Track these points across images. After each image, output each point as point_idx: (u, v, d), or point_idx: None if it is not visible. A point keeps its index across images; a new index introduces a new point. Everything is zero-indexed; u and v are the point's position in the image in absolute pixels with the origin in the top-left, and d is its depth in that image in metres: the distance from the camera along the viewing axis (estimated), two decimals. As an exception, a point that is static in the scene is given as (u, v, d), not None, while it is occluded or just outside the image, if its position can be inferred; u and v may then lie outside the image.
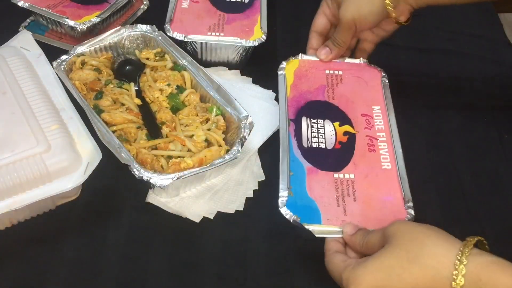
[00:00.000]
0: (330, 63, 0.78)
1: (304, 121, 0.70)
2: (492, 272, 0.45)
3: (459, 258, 0.45)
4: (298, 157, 0.66)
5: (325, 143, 0.68)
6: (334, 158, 0.66)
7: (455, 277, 0.45)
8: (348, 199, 0.62)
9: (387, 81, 0.76)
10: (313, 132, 0.69)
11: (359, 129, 0.70)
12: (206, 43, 0.82)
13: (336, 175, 0.65)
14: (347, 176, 0.65)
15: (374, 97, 0.74)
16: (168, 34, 0.81)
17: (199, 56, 0.85)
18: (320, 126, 0.70)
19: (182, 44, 0.81)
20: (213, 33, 0.83)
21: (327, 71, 0.77)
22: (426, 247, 0.47)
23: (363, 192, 0.63)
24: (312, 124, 0.70)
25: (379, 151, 0.67)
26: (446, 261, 0.46)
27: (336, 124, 0.70)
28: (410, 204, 0.62)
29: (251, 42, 0.81)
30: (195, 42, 0.82)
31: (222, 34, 0.83)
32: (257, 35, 0.82)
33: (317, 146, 0.67)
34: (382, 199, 0.62)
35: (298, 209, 0.60)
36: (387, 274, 0.47)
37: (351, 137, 0.69)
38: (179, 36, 0.81)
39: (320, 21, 0.74)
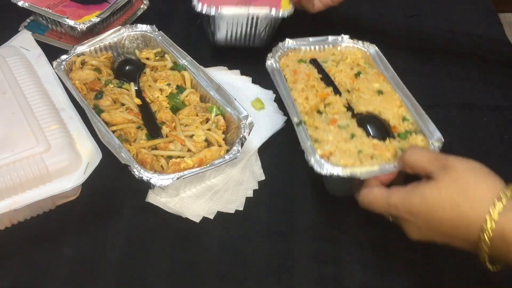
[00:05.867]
0: None
1: None
2: None
3: (491, 210, 0.50)
4: None
5: None
6: None
7: (485, 228, 0.50)
8: None
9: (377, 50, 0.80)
10: None
11: None
12: (235, 17, 0.81)
13: None
14: None
15: None
16: (197, 9, 0.80)
17: (226, 33, 0.84)
18: None
19: (207, 19, 0.81)
20: (243, 5, 0.82)
21: None
22: (468, 193, 0.52)
23: None
24: None
25: None
26: (481, 211, 0.50)
27: None
28: None
29: (281, 13, 0.81)
30: (223, 15, 0.80)
31: (251, 5, 0.82)
32: (285, 6, 0.82)
33: None
34: None
35: None
36: (430, 208, 0.53)
37: None
38: (208, 11, 0.80)
39: None
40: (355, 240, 0.66)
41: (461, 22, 1.00)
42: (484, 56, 0.92)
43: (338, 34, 0.82)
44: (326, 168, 0.61)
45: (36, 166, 0.59)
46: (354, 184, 0.62)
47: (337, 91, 0.74)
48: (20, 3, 0.85)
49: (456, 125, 0.81)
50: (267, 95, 0.82)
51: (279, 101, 0.81)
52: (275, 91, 0.81)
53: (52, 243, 0.63)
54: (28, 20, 0.90)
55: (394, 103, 0.72)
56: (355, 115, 0.71)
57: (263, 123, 0.77)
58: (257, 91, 0.83)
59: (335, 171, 0.61)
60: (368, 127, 0.68)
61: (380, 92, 0.73)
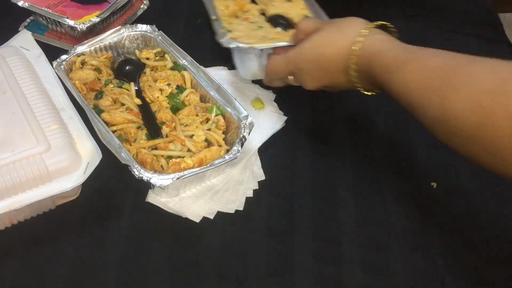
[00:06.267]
0: None
1: None
2: (378, 43, 0.60)
3: (358, 33, 0.61)
4: None
5: None
6: None
7: (353, 49, 0.61)
8: None
9: None
10: None
11: None
12: None
13: None
14: None
15: None
16: None
17: None
18: None
19: None
20: None
21: None
22: (343, 28, 0.64)
23: None
24: None
25: None
26: (351, 38, 0.62)
27: None
28: None
29: None
30: None
31: None
32: None
33: None
34: None
35: None
36: (317, 48, 0.65)
37: None
38: None
39: None
40: (355, 240, 0.66)
41: (461, 22, 1.00)
42: (484, 56, 0.92)
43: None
44: (232, 43, 0.74)
45: (36, 166, 0.59)
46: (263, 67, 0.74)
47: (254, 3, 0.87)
48: (20, 3, 0.85)
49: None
50: (267, 95, 0.82)
51: (279, 101, 0.81)
52: (275, 91, 0.81)
53: (52, 243, 0.63)
54: (28, 20, 0.90)
55: (299, 7, 0.85)
56: (267, 17, 0.83)
57: (263, 123, 0.77)
58: (257, 91, 0.83)
59: (239, 45, 0.74)
60: (275, 22, 0.81)
61: (289, 1, 0.86)
